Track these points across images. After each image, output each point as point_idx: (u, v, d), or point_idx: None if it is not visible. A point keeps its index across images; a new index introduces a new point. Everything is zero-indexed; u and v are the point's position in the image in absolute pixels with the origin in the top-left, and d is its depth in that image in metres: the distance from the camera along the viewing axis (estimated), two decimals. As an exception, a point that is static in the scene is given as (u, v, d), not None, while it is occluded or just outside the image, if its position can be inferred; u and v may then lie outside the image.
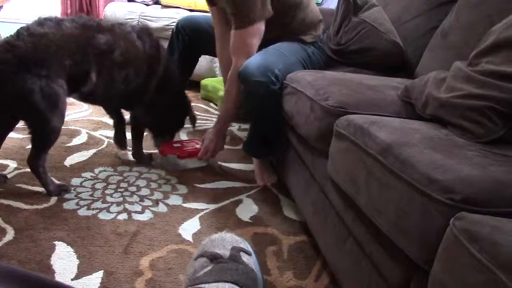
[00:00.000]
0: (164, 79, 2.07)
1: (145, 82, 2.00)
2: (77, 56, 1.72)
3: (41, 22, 1.69)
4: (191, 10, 3.67)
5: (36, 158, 1.76)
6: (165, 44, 2.57)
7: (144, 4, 4.06)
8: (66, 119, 2.17)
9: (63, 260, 1.43)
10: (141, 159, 2.23)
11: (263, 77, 1.84)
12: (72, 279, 1.35)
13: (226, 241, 0.79)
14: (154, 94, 2.06)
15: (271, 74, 1.85)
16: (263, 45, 2.05)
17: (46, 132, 1.73)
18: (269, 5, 1.97)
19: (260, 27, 2.00)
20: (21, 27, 1.67)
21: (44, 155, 1.78)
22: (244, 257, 0.77)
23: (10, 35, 1.65)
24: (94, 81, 1.81)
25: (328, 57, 2.26)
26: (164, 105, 2.12)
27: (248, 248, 0.80)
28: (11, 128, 1.90)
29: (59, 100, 1.68)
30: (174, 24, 3.57)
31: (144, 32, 1.99)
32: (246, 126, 2.88)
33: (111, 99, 2.00)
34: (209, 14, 2.36)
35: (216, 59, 3.55)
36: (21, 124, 2.53)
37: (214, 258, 0.75)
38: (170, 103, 2.15)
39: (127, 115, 2.26)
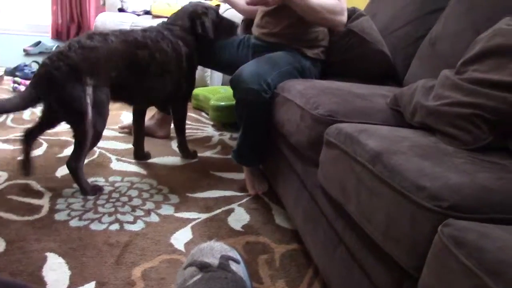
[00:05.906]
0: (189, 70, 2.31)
1: (177, 80, 2.24)
2: (120, 68, 1.95)
3: (90, 36, 1.89)
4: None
5: (76, 160, 1.90)
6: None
7: (135, 14, 4.07)
8: (57, 129, 2.18)
9: (55, 271, 1.43)
10: (186, 153, 2.48)
11: (255, 84, 1.85)
12: (63, 291, 1.35)
13: (215, 249, 0.80)
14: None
15: (263, 82, 1.86)
16: (265, 47, 2.07)
17: (89, 136, 1.87)
18: None
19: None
20: (72, 39, 1.89)
21: (84, 157, 1.94)
22: (233, 266, 0.77)
23: (63, 46, 1.84)
24: (135, 90, 2.09)
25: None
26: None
27: (237, 256, 0.80)
28: (52, 126, 2.04)
29: (104, 107, 1.91)
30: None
31: (169, 31, 2.24)
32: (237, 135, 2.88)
33: (151, 102, 2.38)
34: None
35: (208, 69, 3.57)
36: (12, 135, 2.53)
37: (203, 267, 0.75)
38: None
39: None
